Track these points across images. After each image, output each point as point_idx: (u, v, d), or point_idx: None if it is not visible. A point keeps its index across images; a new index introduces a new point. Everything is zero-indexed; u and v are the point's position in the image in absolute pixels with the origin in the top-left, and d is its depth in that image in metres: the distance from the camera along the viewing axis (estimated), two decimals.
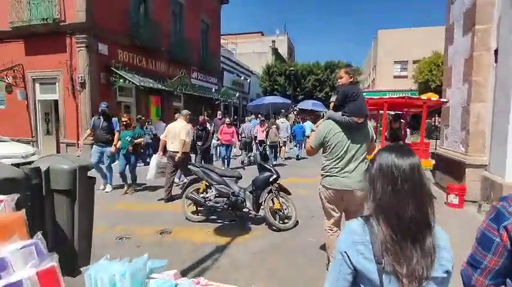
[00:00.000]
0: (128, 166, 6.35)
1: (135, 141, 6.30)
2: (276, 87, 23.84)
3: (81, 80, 9.90)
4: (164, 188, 5.71)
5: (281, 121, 11.57)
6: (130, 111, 12.60)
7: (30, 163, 5.90)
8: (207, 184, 4.64)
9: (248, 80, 26.66)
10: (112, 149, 6.16)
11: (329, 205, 2.77)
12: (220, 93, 18.17)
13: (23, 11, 10.04)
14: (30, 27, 10.00)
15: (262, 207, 4.40)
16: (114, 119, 6.46)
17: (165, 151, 5.85)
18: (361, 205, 2.55)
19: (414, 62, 24.97)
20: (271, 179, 4.38)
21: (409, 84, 24.42)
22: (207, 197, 4.57)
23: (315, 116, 21.72)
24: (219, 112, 11.17)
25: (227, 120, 9.09)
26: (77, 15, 9.77)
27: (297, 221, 4.46)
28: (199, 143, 7.63)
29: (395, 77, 25.90)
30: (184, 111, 6.16)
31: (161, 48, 13.53)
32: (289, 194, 4.56)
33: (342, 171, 2.62)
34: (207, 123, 8.34)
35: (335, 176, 2.63)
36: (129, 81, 10.53)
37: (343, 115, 2.67)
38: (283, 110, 23.04)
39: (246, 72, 26.86)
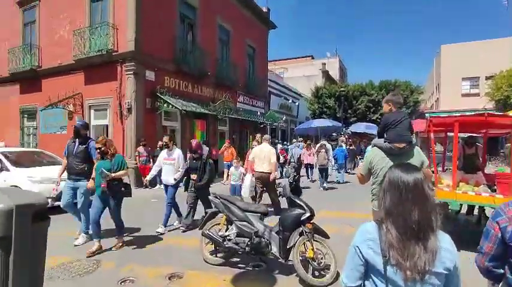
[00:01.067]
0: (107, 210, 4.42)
1: (113, 175, 4.24)
2: (325, 110, 22.71)
3: (128, 105, 10.27)
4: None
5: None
6: (175, 135, 12.80)
7: None
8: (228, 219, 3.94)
9: (296, 103, 26.04)
10: (89, 184, 4.52)
11: None
12: (266, 117, 17.78)
13: (85, 45, 10.99)
14: (89, 58, 10.86)
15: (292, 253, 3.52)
16: (93, 144, 4.96)
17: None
18: None
19: (488, 77, 21.88)
20: (303, 218, 3.51)
21: (482, 103, 21.30)
22: (227, 236, 3.85)
23: (368, 140, 19.96)
24: (258, 135, 9.19)
25: (254, 143, 7.58)
26: (127, 44, 10.34)
27: (338, 274, 3.45)
28: (194, 178, 5.34)
29: (463, 95, 22.90)
30: (267, 136, 6.91)
31: (207, 73, 13.73)
32: (327, 237, 3.61)
33: None
34: (203, 150, 6.01)
35: None
36: (173, 105, 10.65)
37: (385, 142, 2.79)
38: (334, 134, 21.80)
39: (294, 95, 26.35)
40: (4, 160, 7.14)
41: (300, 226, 3.53)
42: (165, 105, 10.77)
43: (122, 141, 10.54)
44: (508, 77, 15.41)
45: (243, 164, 7.63)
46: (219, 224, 4.03)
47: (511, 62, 16.38)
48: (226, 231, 3.92)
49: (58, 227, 4.52)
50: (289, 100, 24.52)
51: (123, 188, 4.47)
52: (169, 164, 5.56)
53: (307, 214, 3.51)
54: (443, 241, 1.20)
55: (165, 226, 5.41)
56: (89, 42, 10.87)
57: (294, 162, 10.28)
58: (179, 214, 5.74)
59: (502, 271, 1.31)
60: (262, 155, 6.26)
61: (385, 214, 1.24)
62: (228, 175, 10.04)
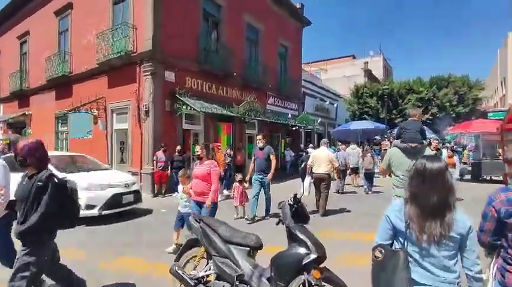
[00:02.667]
0: None
1: None
2: (366, 111, 20.61)
3: (146, 108, 9.78)
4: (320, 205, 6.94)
5: (351, 148, 11.20)
6: (198, 139, 12.12)
7: (133, 191, 4.59)
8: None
9: (335, 105, 24.20)
10: None
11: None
12: (298, 120, 16.44)
13: (106, 48, 10.80)
14: (110, 61, 10.63)
15: None
16: None
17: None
18: None
19: None
20: (305, 262, 2.31)
21: None
22: (202, 278, 2.77)
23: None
24: (259, 137, 6.91)
25: (197, 148, 4.52)
26: (145, 44, 9.87)
27: None
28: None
29: None
30: (325, 140, 7.73)
31: (233, 74, 12.92)
32: None
33: None
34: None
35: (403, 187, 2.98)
36: (191, 107, 9.92)
37: (401, 142, 3.67)
38: (377, 137, 19.78)
39: (332, 96, 24.54)
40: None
41: (302, 272, 2.34)
42: (183, 107, 10.09)
43: (140, 145, 10.07)
44: None
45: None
46: (196, 256, 2.97)
47: None
48: (203, 269, 2.85)
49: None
50: (326, 101, 22.83)
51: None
52: None
53: (313, 256, 2.30)
54: (459, 214, 1.55)
55: None
56: (110, 45, 10.65)
57: (340, 165, 9.74)
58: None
59: (499, 242, 1.75)
60: (321, 158, 6.90)
61: (409, 195, 1.62)
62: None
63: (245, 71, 13.85)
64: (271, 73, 15.84)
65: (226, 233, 2.84)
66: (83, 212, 5.47)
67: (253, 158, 6.89)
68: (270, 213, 6.72)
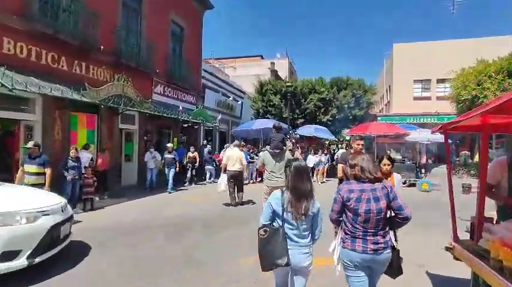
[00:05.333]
0: None
1: None
2: (270, 109, 19.47)
3: None
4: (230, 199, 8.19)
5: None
6: (33, 135, 8.21)
7: (69, 218, 4.45)
8: None
9: (239, 102, 22.45)
10: None
11: (267, 196, 4.90)
12: (193, 114, 13.78)
13: None
14: None
15: None
16: None
17: None
18: None
19: (439, 80, 20.71)
20: None
21: (434, 107, 20.02)
22: None
23: (317, 144, 17.18)
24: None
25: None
26: None
27: None
28: None
29: (415, 98, 21.53)
30: (237, 142, 9.63)
31: (99, 46, 9.44)
32: None
33: (274, 177, 5.34)
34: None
35: (270, 180, 5.33)
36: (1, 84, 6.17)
37: (270, 148, 5.50)
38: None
39: (237, 92, 22.74)
40: None
41: None
42: None
43: None
44: (476, 74, 13.70)
45: None
46: None
47: (477, 58, 14.83)
48: None
49: None
50: (229, 97, 20.82)
51: None
52: None
53: None
54: (315, 199, 2.43)
55: None
56: None
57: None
58: None
59: (341, 218, 2.43)
60: (234, 157, 8.15)
61: (287, 186, 2.44)
62: None
63: (119, 46, 10.49)
64: (160, 55, 12.80)
65: None
66: None
67: None
68: None
